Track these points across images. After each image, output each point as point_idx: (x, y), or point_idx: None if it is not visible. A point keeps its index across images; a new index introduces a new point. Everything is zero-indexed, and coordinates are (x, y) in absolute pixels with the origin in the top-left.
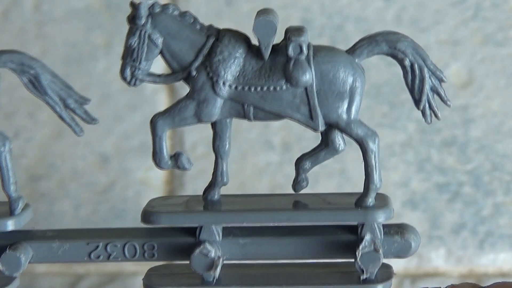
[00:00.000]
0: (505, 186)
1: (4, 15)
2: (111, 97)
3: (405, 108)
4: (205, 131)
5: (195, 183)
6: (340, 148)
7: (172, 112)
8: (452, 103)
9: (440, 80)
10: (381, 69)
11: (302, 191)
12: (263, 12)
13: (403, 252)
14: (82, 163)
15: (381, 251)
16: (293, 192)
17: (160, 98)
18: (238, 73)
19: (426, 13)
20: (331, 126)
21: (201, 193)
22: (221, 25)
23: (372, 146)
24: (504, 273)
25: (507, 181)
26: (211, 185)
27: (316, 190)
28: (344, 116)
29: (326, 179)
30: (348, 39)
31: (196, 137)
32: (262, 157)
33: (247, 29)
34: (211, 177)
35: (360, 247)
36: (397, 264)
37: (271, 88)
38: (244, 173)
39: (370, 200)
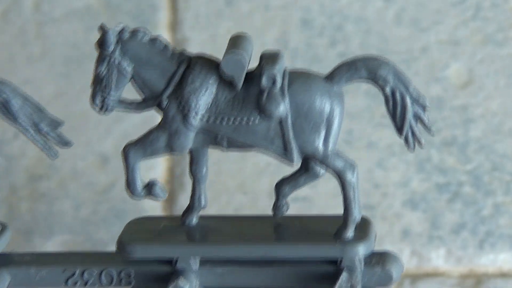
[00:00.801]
0: (505, 186)
1: (4, 15)
2: None
3: None
4: None
5: None
6: (321, 173)
7: (144, 143)
8: (452, 103)
9: (423, 107)
10: None
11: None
12: (234, 44)
13: (384, 282)
14: (82, 163)
15: (359, 287)
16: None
17: None
18: (210, 104)
19: (426, 13)
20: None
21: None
22: (221, 25)
23: (350, 178)
24: (504, 273)
25: (507, 181)
26: (189, 210)
27: (315, 191)
28: (321, 148)
29: (325, 180)
30: (348, 39)
31: None
32: (262, 157)
33: (247, 29)
34: (189, 201)
35: (337, 284)
36: None
37: (244, 120)
38: (244, 173)
39: (349, 233)
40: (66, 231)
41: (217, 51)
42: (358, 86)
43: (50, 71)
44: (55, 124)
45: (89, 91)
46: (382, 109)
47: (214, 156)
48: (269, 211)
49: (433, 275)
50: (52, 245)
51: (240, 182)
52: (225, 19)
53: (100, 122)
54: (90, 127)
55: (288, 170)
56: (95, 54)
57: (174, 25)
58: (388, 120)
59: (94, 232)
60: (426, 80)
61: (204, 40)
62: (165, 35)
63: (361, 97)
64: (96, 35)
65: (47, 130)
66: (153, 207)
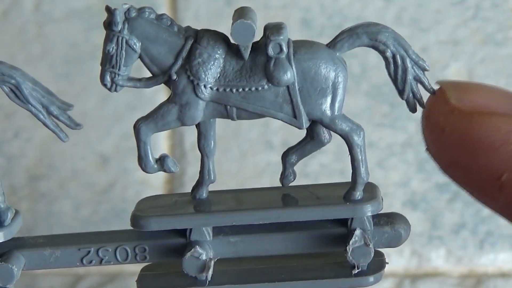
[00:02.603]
0: None
1: (4, 15)
2: (111, 97)
3: (405, 108)
4: None
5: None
6: (326, 141)
7: (155, 117)
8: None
9: (423, 69)
10: (381, 69)
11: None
12: (241, 14)
13: (393, 242)
14: (82, 163)
15: (371, 245)
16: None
17: (160, 98)
18: (218, 75)
19: (426, 13)
20: (315, 122)
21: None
22: (221, 25)
23: (357, 140)
24: (504, 273)
25: None
26: (199, 184)
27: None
28: (328, 112)
29: (326, 179)
30: None
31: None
32: (262, 157)
33: None
34: (198, 175)
35: (351, 242)
36: (397, 264)
37: (253, 88)
38: (244, 173)
39: (358, 194)
40: (66, 231)
41: None
42: (358, 86)
43: (50, 71)
44: (65, 106)
45: (89, 91)
46: (382, 109)
47: (214, 156)
48: None
49: (433, 275)
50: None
51: (240, 182)
52: (225, 19)
53: (100, 122)
54: (90, 127)
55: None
56: (95, 54)
57: None
58: (388, 120)
59: None
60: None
61: None
62: None
63: (361, 97)
64: (96, 35)
65: (57, 113)
66: None
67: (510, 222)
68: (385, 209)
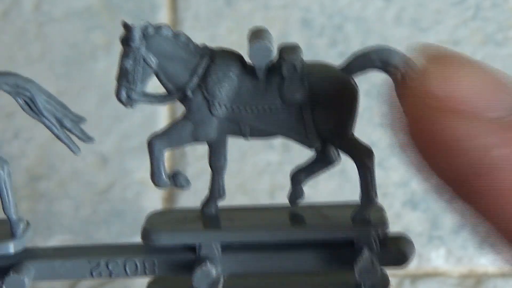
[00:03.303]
0: None
1: (4, 15)
2: (111, 97)
3: None
4: None
5: (195, 183)
6: (335, 160)
7: (169, 134)
8: None
9: None
10: None
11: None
12: (257, 35)
13: (399, 263)
14: (82, 163)
15: (378, 265)
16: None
17: None
18: (233, 93)
19: (426, 13)
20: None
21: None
22: (221, 25)
23: (367, 162)
24: (504, 273)
25: None
26: (209, 200)
27: (317, 190)
28: (339, 134)
29: (326, 179)
30: (348, 39)
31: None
32: (262, 157)
33: (247, 29)
34: (208, 191)
35: (358, 261)
36: None
37: (266, 107)
38: (244, 173)
39: (366, 215)
40: (66, 231)
41: None
42: (358, 87)
43: (50, 71)
44: (78, 120)
45: (89, 91)
46: (382, 109)
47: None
48: None
49: (433, 275)
50: (52, 245)
51: (240, 182)
52: (225, 19)
53: (100, 122)
54: (90, 127)
55: (288, 170)
56: (95, 54)
57: (174, 24)
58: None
59: (94, 232)
60: None
61: (204, 40)
62: None
63: (361, 97)
64: (96, 35)
65: (70, 126)
66: (153, 208)
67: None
68: (385, 209)
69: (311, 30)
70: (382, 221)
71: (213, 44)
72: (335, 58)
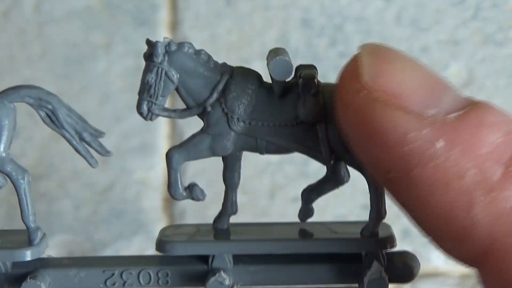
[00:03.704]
0: None
1: (4, 15)
2: (111, 97)
3: None
4: None
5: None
6: (345, 179)
7: (188, 146)
8: None
9: None
10: None
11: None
12: (277, 52)
13: (405, 278)
14: (82, 163)
15: (387, 278)
16: (298, 220)
17: None
18: (251, 109)
19: (426, 13)
20: (337, 160)
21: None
22: (221, 25)
23: (371, 179)
24: None
25: None
26: (221, 215)
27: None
28: (351, 150)
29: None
30: (348, 39)
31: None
32: (262, 157)
33: (247, 29)
34: (221, 207)
35: (368, 274)
36: None
37: (282, 123)
38: (244, 173)
39: (375, 230)
40: (66, 231)
41: (217, 51)
42: None
43: (50, 71)
44: (97, 134)
45: (89, 91)
46: None
47: (213, 158)
48: (269, 211)
49: (433, 275)
50: (52, 245)
51: (240, 182)
52: (225, 19)
53: (100, 122)
54: None
55: (288, 170)
56: (95, 54)
57: (174, 24)
58: None
59: (94, 232)
60: None
61: (204, 39)
62: (165, 34)
63: None
64: (96, 35)
65: (89, 139)
66: (153, 208)
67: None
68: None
69: (311, 30)
70: (390, 237)
71: (213, 44)
72: (335, 58)
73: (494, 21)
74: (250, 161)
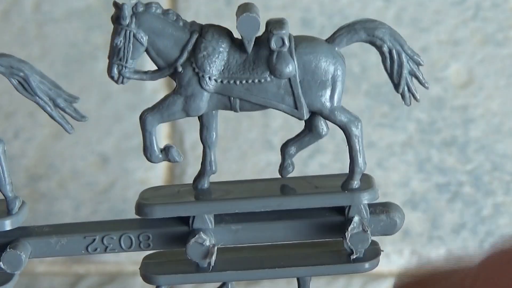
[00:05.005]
0: (505, 186)
1: (4, 15)
2: (111, 97)
3: (405, 108)
4: None
5: None
6: (323, 133)
7: (161, 108)
8: (452, 103)
9: (418, 64)
10: (381, 69)
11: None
12: (245, 8)
13: (389, 230)
14: (82, 163)
15: (369, 231)
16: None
17: (160, 98)
18: (222, 67)
19: (426, 13)
20: (314, 113)
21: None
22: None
23: (355, 131)
24: None
25: (507, 181)
26: (200, 175)
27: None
28: (328, 104)
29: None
30: None
31: (196, 137)
32: (262, 157)
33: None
34: (200, 166)
35: (349, 228)
36: (397, 264)
37: (256, 80)
38: (244, 173)
39: (356, 183)
40: None
41: None
42: (358, 86)
43: (50, 71)
44: (71, 99)
45: (89, 91)
46: (382, 109)
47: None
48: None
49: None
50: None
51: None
52: (225, 19)
53: (100, 122)
54: (90, 127)
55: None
56: (95, 54)
57: None
58: (388, 120)
59: None
60: (426, 80)
61: None
62: None
63: (361, 97)
64: (96, 35)
65: (64, 105)
66: None
67: None
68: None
69: (311, 30)
70: (372, 188)
71: None
72: None
73: (494, 21)
74: (250, 161)
